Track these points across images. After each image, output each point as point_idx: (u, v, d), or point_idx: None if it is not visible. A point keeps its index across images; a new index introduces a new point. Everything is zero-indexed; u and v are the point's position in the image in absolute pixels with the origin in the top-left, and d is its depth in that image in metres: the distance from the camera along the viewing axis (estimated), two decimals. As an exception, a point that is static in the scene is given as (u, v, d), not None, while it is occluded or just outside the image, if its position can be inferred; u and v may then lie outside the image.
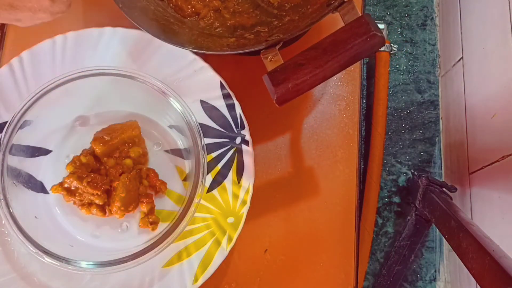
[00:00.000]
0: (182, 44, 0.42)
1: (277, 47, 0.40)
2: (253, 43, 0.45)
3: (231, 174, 0.48)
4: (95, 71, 0.45)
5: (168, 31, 0.45)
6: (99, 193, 0.45)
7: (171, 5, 0.49)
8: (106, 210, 0.47)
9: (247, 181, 0.48)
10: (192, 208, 0.44)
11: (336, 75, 0.56)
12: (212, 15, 0.49)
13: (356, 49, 0.36)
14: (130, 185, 0.46)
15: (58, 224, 0.47)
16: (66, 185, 0.46)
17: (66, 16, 0.56)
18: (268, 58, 0.39)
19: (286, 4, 0.49)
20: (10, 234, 0.43)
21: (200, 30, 0.48)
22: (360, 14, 0.37)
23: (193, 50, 0.42)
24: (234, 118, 0.49)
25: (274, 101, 0.38)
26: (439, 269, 0.62)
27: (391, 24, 0.68)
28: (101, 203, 0.46)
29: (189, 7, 0.49)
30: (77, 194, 0.46)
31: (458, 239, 0.46)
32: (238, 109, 0.49)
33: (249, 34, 0.47)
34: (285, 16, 0.48)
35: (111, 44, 0.49)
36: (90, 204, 0.46)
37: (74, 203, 0.47)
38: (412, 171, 0.64)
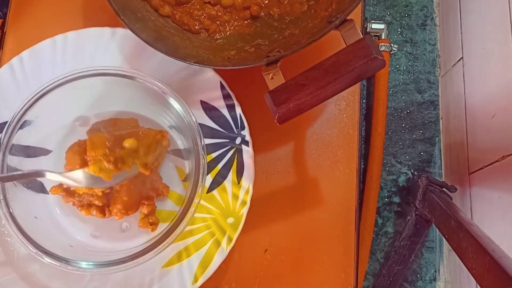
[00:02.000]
0: (183, 58, 0.43)
1: (278, 64, 0.40)
2: (254, 57, 0.45)
3: (231, 175, 0.48)
4: (95, 71, 0.45)
5: (170, 44, 0.45)
6: (98, 194, 0.45)
7: (174, 20, 0.49)
8: (106, 212, 0.47)
9: (247, 182, 0.48)
10: (192, 209, 0.44)
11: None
12: (221, 29, 0.49)
13: (357, 71, 0.37)
14: (134, 189, 0.45)
15: (58, 224, 0.47)
16: (65, 186, 0.46)
17: (66, 16, 0.56)
18: (270, 76, 0.40)
19: (287, 17, 0.49)
20: (10, 234, 0.43)
21: (201, 42, 0.48)
22: (361, 36, 0.38)
23: (194, 64, 0.42)
24: (234, 118, 0.49)
25: (276, 120, 0.39)
26: (439, 269, 0.62)
27: (391, 24, 0.68)
28: (100, 204, 0.46)
29: (196, 23, 0.48)
30: (76, 195, 0.46)
31: (458, 239, 0.46)
32: (238, 110, 0.49)
33: (250, 47, 0.47)
34: (285, 30, 0.48)
35: (111, 44, 0.49)
36: (89, 205, 0.46)
37: (74, 204, 0.47)
38: (412, 171, 0.64)
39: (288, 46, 0.43)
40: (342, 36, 0.39)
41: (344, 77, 0.37)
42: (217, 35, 0.49)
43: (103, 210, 0.46)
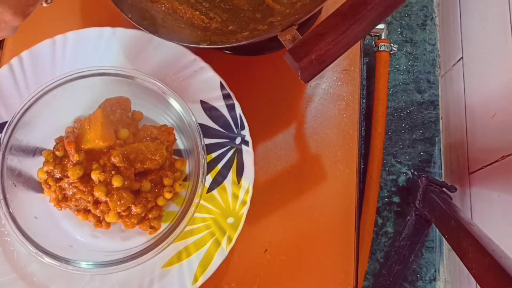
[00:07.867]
0: (197, 43, 0.42)
1: (294, 27, 0.38)
2: (268, 32, 0.44)
3: (231, 175, 0.48)
4: (95, 71, 0.45)
5: (181, 35, 0.45)
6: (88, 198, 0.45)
7: (184, 17, 0.49)
8: (102, 223, 0.46)
9: (247, 182, 0.48)
10: (192, 209, 0.44)
11: (336, 75, 0.56)
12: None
13: (377, 8, 0.35)
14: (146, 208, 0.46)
15: (57, 224, 0.47)
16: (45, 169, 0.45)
17: (66, 16, 0.56)
18: (287, 37, 0.37)
19: None
20: (10, 234, 0.43)
21: (213, 31, 0.48)
22: None
23: (208, 46, 0.41)
24: (234, 118, 0.49)
25: (300, 78, 0.36)
26: (439, 269, 0.62)
27: (391, 24, 0.68)
28: (97, 214, 0.45)
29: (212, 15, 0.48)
30: (73, 200, 0.45)
31: (458, 239, 0.46)
32: (238, 109, 0.49)
33: (262, 26, 0.46)
34: (296, 3, 0.47)
35: (111, 44, 0.49)
36: (86, 210, 0.46)
37: (70, 208, 0.46)
38: (412, 171, 0.64)
39: (301, 13, 0.42)
40: None
41: (364, 18, 0.35)
42: (229, 21, 0.48)
43: (98, 219, 0.46)
